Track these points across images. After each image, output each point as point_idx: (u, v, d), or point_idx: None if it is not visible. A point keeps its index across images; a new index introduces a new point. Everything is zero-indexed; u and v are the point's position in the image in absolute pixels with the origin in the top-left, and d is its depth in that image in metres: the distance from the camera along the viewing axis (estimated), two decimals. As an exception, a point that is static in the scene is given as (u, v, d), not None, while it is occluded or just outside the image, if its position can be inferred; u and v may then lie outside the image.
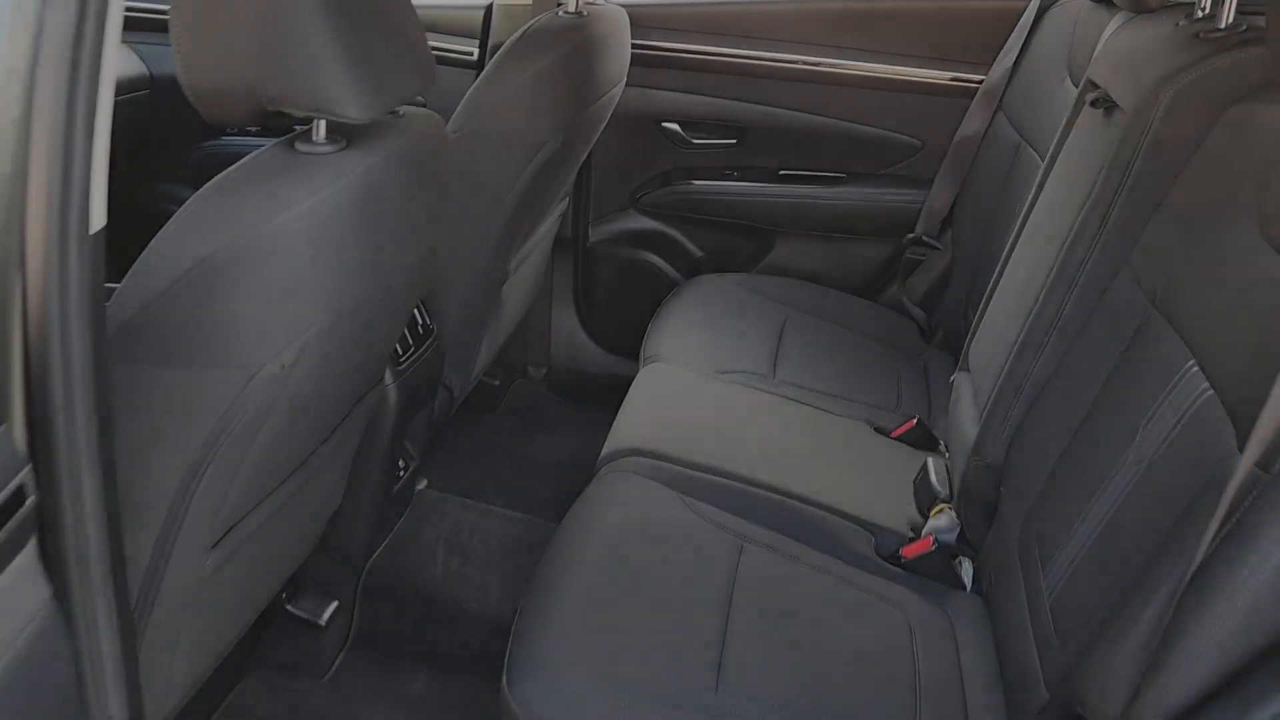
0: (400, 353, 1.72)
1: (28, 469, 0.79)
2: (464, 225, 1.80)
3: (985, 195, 2.10)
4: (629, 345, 2.56)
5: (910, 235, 2.28)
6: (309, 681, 1.74)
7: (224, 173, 1.06)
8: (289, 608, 1.75)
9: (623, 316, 2.57)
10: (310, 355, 1.08)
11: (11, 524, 0.77)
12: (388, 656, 1.80)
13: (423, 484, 2.11)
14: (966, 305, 2.10)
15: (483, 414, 2.49)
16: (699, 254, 2.52)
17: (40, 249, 0.79)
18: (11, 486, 0.77)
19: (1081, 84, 1.60)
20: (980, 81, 2.18)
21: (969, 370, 1.73)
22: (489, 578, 1.91)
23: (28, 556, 0.79)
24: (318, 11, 1.02)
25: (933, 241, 2.26)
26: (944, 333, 2.25)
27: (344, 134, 1.12)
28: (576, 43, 1.78)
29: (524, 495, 2.23)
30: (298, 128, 1.14)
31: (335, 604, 1.77)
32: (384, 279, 1.20)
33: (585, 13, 1.87)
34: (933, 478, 1.64)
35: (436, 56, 2.44)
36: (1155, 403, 1.15)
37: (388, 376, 1.68)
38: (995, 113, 2.14)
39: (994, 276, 1.78)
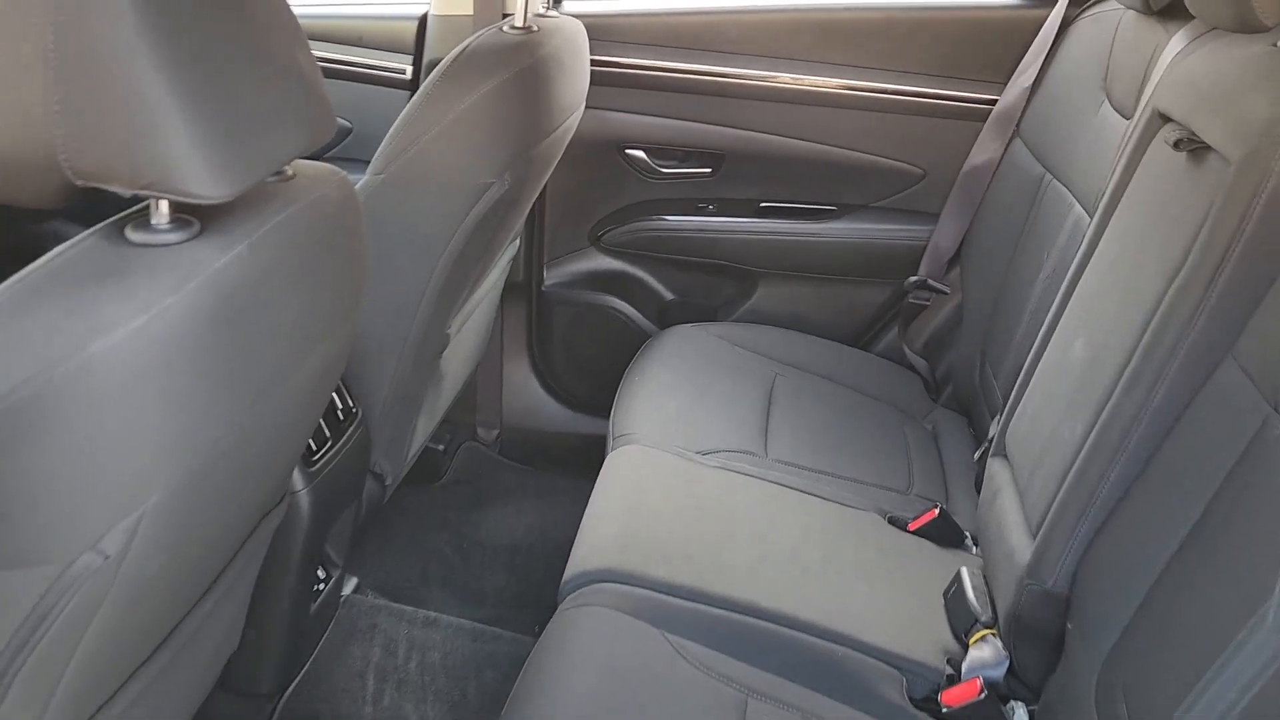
0: (314, 449, 1.40)
1: None
2: (391, 288, 1.48)
3: (1001, 234, 1.82)
4: (592, 401, 2.25)
5: (913, 279, 1.99)
6: None
7: (17, 276, 0.73)
8: (181, 763, 1.42)
9: (584, 369, 2.26)
10: (150, 533, 0.76)
11: None
12: (306, 817, 1.47)
13: (351, 585, 1.79)
14: (982, 361, 1.82)
15: (424, 485, 2.17)
16: (670, 297, 2.21)
17: None
18: None
19: (1142, 115, 1.32)
20: (993, 103, 1.90)
21: (1006, 456, 1.44)
22: (429, 712, 1.58)
23: None
24: (145, 43, 0.69)
25: (939, 285, 1.98)
26: (954, 390, 1.96)
27: (197, 214, 0.80)
28: (526, 64, 1.47)
29: (473, 590, 1.92)
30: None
31: (240, 754, 1.45)
32: (267, 400, 0.88)
33: (536, 26, 1.55)
34: (969, 594, 1.34)
35: (364, 75, 2.14)
36: (1301, 549, 0.87)
37: (297, 480, 1.36)
38: (1011, 139, 1.86)
39: (1032, 337, 1.50)
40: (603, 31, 1.99)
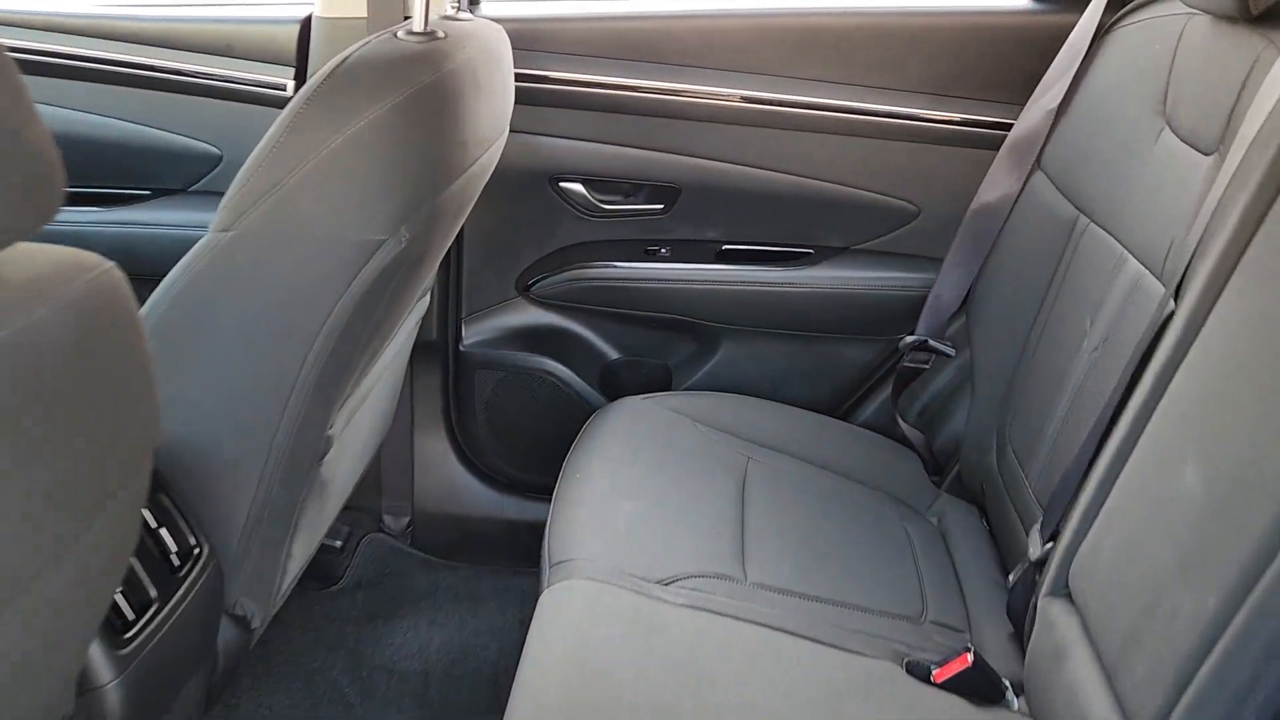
0: (130, 617, 1.00)
1: None
2: (246, 383, 1.10)
3: (1022, 287, 1.49)
4: (523, 480, 1.89)
5: (910, 337, 1.65)
6: None
7: None
8: None
9: (513, 443, 1.89)
10: None
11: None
12: None
13: (211, 750, 1.38)
14: (1000, 442, 1.49)
15: (316, 591, 1.77)
16: (615, 357, 1.85)
17: None
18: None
19: (1258, 151, 0.99)
20: (1007, 127, 1.57)
21: (1070, 598, 1.10)
22: None
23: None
24: None
25: (942, 346, 1.64)
26: (961, 473, 1.63)
27: None
28: (427, 80, 1.10)
29: (375, 741, 1.53)
30: None
31: None
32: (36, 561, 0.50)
33: (443, 32, 1.18)
34: (1036, 796, 1.00)
35: (234, 91, 1.73)
36: None
37: (102, 670, 0.96)
38: (1032, 172, 1.53)
39: (1078, 429, 1.16)
40: (531, 39, 1.62)
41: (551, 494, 1.45)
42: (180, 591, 1.07)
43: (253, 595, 1.23)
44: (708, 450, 1.55)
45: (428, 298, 1.63)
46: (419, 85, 1.08)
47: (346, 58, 1.08)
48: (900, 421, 1.71)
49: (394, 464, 1.88)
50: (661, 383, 1.84)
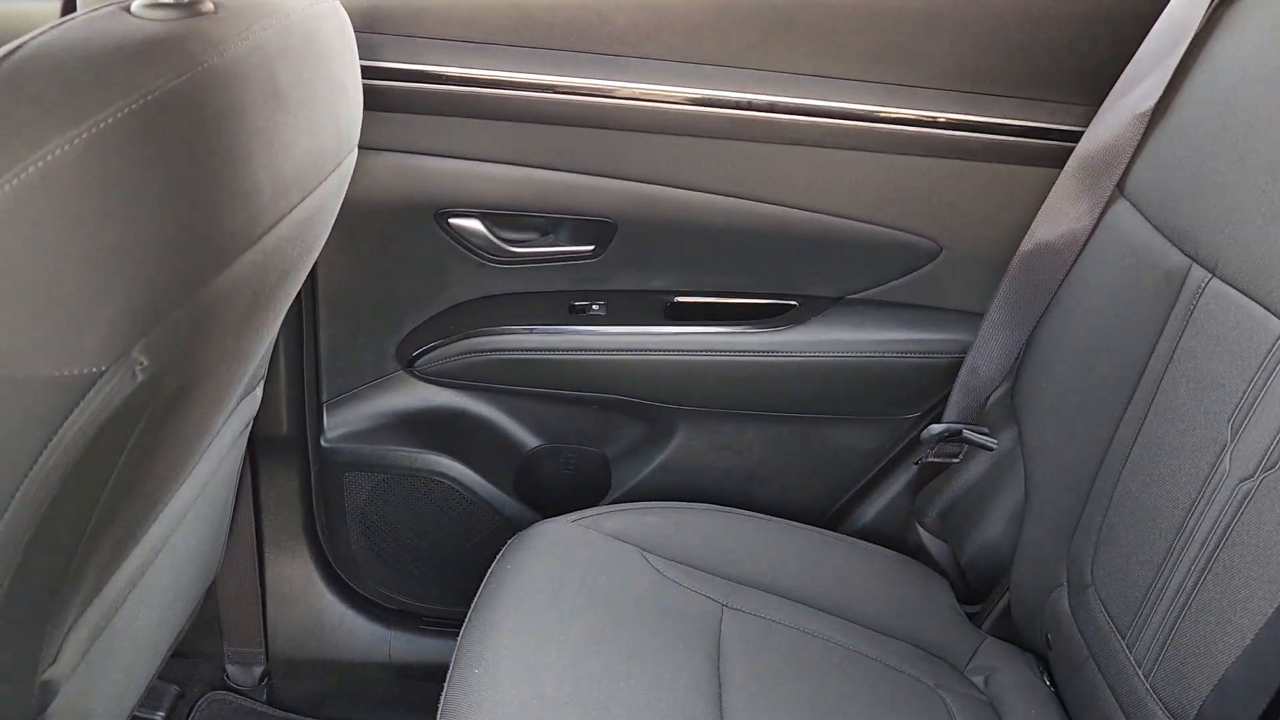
0: None
1: None
2: None
3: (1108, 364, 1.05)
4: (413, 609, 1.42)
5: (938, 427, 1.21)
6: None
7: None
8: None
9: (401, 563, 1.42)
10: None
11: None
12: None
13: None
14: (1076, 580, 1.06)
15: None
16: (533, 444, 1.38)
17: None
18: None
19: None
20: (1075, 137, 1.13)
21: None
22: None
23: None
24: None
25: (981, 438, 1.20)
26: (1010, 612, 1.19)
27: None
28: (172, 88, 0.61)
29: None
30: None
31: None
32: None
33: (214, 6, 0.70)
34: None
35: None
36: None
37: None
38: (1112, 200, 1.09)
39: (1201, 565, 0.74)
40: (401, 19, 1.15)
41: (449, 625, 1.01)
42: None
43: None
44: (666, 596, 1.10)
45: (258, 391, 1.14)
46: (153, 93, 0.60)
47: (14, 50, 0.60)
48: (922, 533, 1.28)
49: (237, 598, 1.39)
50: (596, 481, 1.38)
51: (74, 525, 0.69)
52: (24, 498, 0.64)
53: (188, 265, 0.63)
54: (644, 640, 1.03)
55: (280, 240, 0.76)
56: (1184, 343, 0.97)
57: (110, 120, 0.58)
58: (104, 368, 0.61)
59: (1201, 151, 0.99)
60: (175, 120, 0.62)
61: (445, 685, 0.99)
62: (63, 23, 0.64)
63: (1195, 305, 0.96)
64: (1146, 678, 0.92)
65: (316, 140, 0.79)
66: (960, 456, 1.24)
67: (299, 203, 0.78)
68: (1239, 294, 0.91)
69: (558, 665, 0.98)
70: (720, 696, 0.99)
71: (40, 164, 0.56)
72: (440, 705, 0.97)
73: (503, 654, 0.99)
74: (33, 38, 0.62)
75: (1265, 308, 0.88)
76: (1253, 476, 0.85)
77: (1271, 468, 0.83)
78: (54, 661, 0.75)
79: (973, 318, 1.22)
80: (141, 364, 0.63)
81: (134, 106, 0.60)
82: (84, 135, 0.58)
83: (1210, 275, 0.95)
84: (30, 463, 0.63)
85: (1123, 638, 0.97)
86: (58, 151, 0.57)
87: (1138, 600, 0.95)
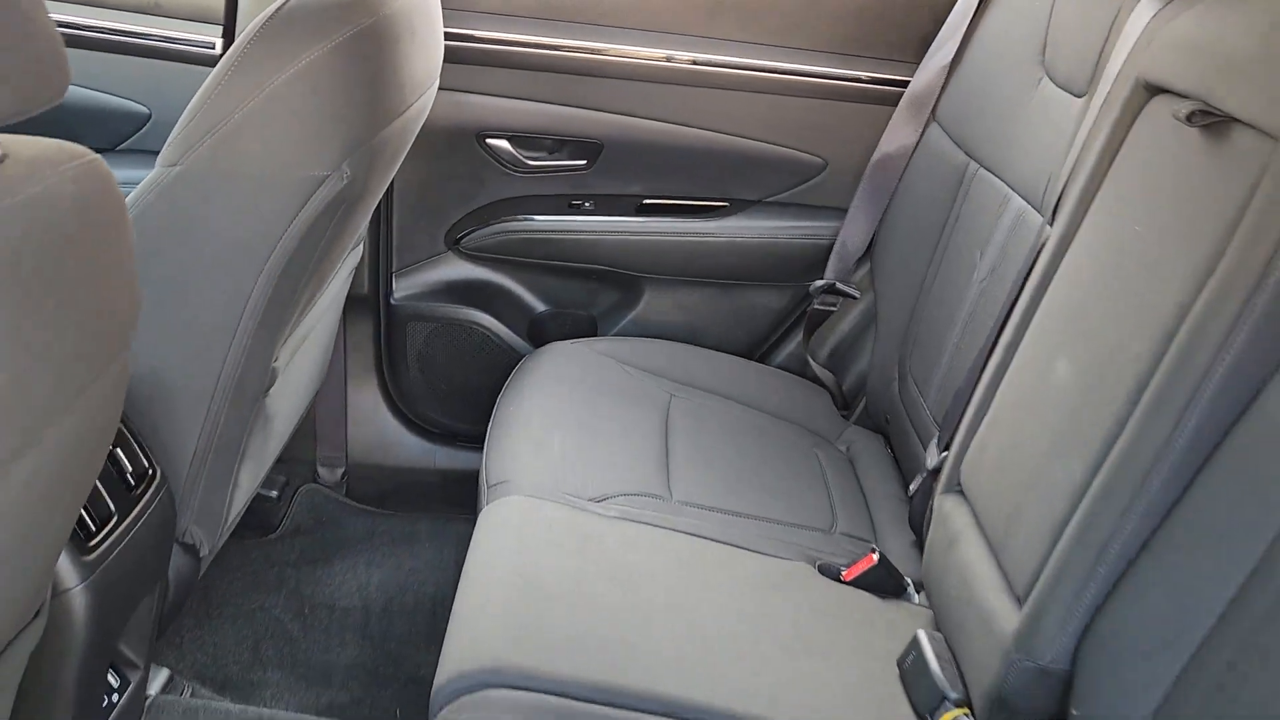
0: (92, 528, 1.05)
1: None
2: (194, 314, 1.16)
3: (920, 230, 1.61)
4: (455, 430, 1.96)
5: (819, 281, 1.76)
6: None
7: None
8: None
9: (445, 394, 1.96)
10: None
11: None
12: None
13: (160, 680, 1.43)
14: (902, 373, 1.61)
15: (255, 539, 1.82)
16: (542, 309, 1.93)
17: None
18: None
19: (1114, 88, 1.12)
20: (905, 84, 1.69)
21: (962, 493, 1.22)
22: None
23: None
24: None
25: (848, 289, 1.76)
26: (867, 406, 1.75)
27: None
28: (364, 26, 1.16)
29: (319, 670, 1.59)
30: None
31: None
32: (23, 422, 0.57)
33: (377, -17, 1.24)
34: (933, 666, 1.11)
35: (162, 50, 1.77)
36: None
37: (68, 575, 1.02)
38: (928, 124, 1.65)
39: (970, 351, 1.29)
40: (459, 0, 1.69)
41: (481, 444, 1.53)
42: (136, 511, 1.12)
43: (201, 524, 1.28)
44: (633, 388, 1.64)
45: (360, 249, 1.69)
46: (357, 27, 1.15)
47: (279, 9, 1.14)
48: (811, 362, 1.83)
49: (328, 417, 1.93)
50: (587, 332, 1.92)
51: (298, 277, 1.22)
52: (275, 257, 1.16)
53: (372, 118, 1.17)
54: (619, 412, 1.57)
55: (406, 120, 1.30)
56: (960, 209, 1.52)
57: (336, 41, 1.12)
58: (328, 173, 1.15)
59: (975, 88, 1.55)
60: (366, 42, 1.16)
61: (484, 452, 1.48)
62: (301, -9, 1.18)
63: (969, 186, 1.51)
64: (932, 413, 1.47)
65: (426, 63, 1.33)
66: (837, 307, 1.80)
67: (414, 101, 1.32)
68: (990, 174, 1.47)
69: (560, 430, 1.50)
70: (668, 444, 1.53)
71: (304, 61, 1.10)
72: (482, 463, 1.47)
73: (521, 423, 1.51)
74: (285, 2, 1.16)
75: (1001, 179, 1.43)
76: (985, 279, 1.40)
77: (993, 270, 1.38)
78: (275, 359, 1.29)
79: (846, 210, 1.77)
80: (346, 173, 1.16)
81: (347, 34, 1.14)
82: (323, 48, 1.12)
83: (979, 166, 1.50)
84: (279, 236, 1.16)
85: (923, 398, 1.52)
86: (310, 56, 1.11)
87: (930, 371, 1.51)
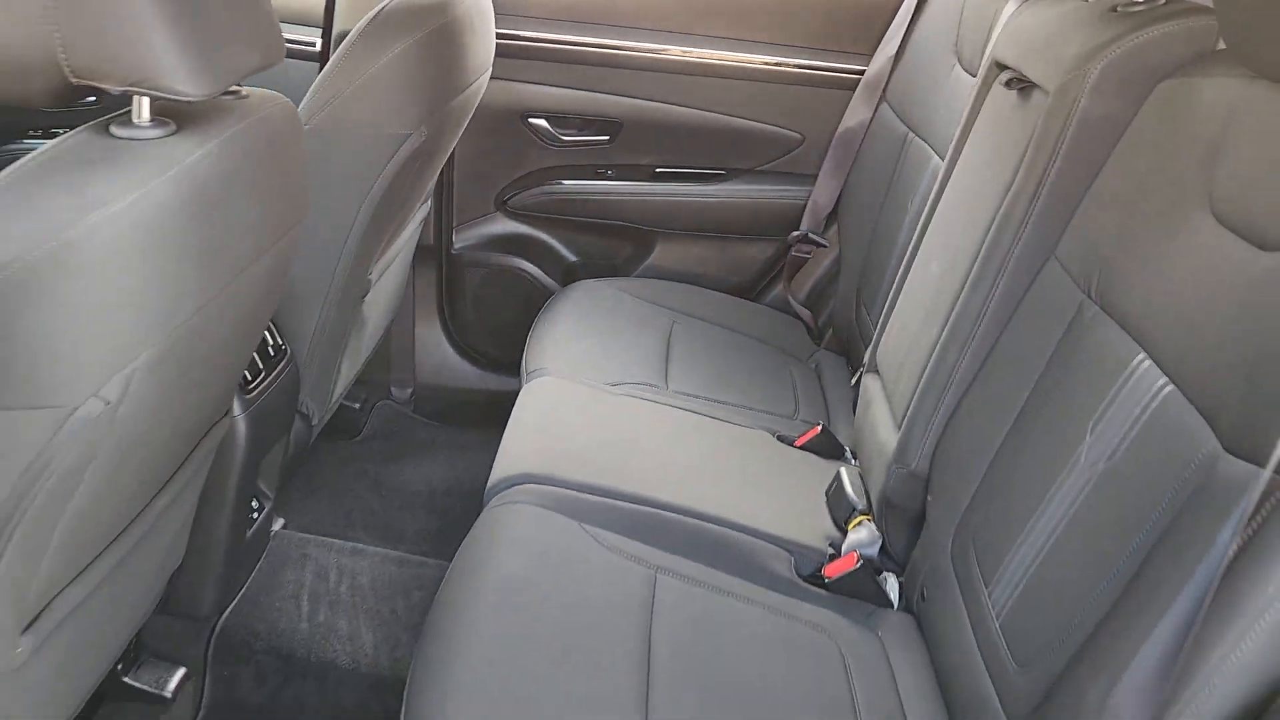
0: (249, 379, 1.50)
1: None
2: (318, 230, 1.59)
3: (872, 189, 2.02)
4: (500, 359, 2.39)
5: (795, 233, 2.18)
6: (154, 765, 1.50)
7: (16, 164, 0.84)
8: (126, 680, 1.50)
9: (493, 329, 2.39)
10: (140, 387, 0.88)
11: None
12: (247, 727, 1.57)
13: (279, 524, 1.88)
14: (858, 303, 2.02)
15: (343, 441, 2.27)
16: (573, 259, 2.36)
17: None
18: None
19: (984, 68, 1.53)
20: (861, 72, 2.11)
21: (878, 372, 1.63)
22: (361, 628, 1.70)
23: None
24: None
25: (818, 239, 2.17)
26: (834, 333, 2.16)
27: (172, 116, 0.92)
28: (439, 24, 1.60)
29: (395, 529, 2.03)
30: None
31: (182, 672, 1.53)
32: (227, 291, 1.00)
33: (446, -8, 1.68)
34: (848, 488, 1.53)
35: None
36: (1105, 401, 1.06)
37: (235, 407, 1.46)
38: (879, 104, 2.07)
39: (897, 273, 1.69)
40: (507, 5, 2.12)
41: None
42: (275, 371, 1.56)
43: (314, 397, 1.73)
44: (643, 315, 2.07)
45: (428, 205, 2.13)
46: (434, 28, 1.59)
47: (383, 9, 1.59)
48: (791, 300, 2.24)
49: (400, 346, 2.38)
50: (608, 276, 2.35)
51: (388, 208, 1.66)
52: (373, 191, 1.60)
53: (444, 91, 1.61)
54: (630, 330, 1.99)
55: (466, 96, 1.74)
56: (899, 170, 1.93)
57: (420, 35, 1.56)
58: (411, 131, 1.59)
59: (913, 74, 1.96)
60: (441, 36, 1.60)
61: (525, 349, 1.93)
62: (393, 0, 1.63)
63: (906, 150, 1.92)
64: (882, 320, 1.88)
65: (483, 52, 1.78)
66: (811, 255, 2.21)
67: (473, 80, 1.76)
68: (920, 140, 1.87)
69: (583, 339, 1.92)
70: (668, 352, 1.95)
71: (398, 49, 1.54)
72: (523, 357, 1.91)
73: (553, 334, 1.94)
74: (385, 6, 1.60)
75: (927, 143, 1.84)
76: (913, 218, 1.81)
77: (917, 211, 1.79)
78: (370, 273, 1.73)
79: (816, 176, 2.18)
80: (423, 132, 1.61)
81: (428, 30, 1.58)
82: (412, 39, 1.56)
83: (914, 135, 1.91)
84: (377, 176, 1.60)
85: (870, 320, 1.93)
86: (402, 45, 1.55)
87: (877, 292, 1.91)
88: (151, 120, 0.90)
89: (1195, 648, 0.76)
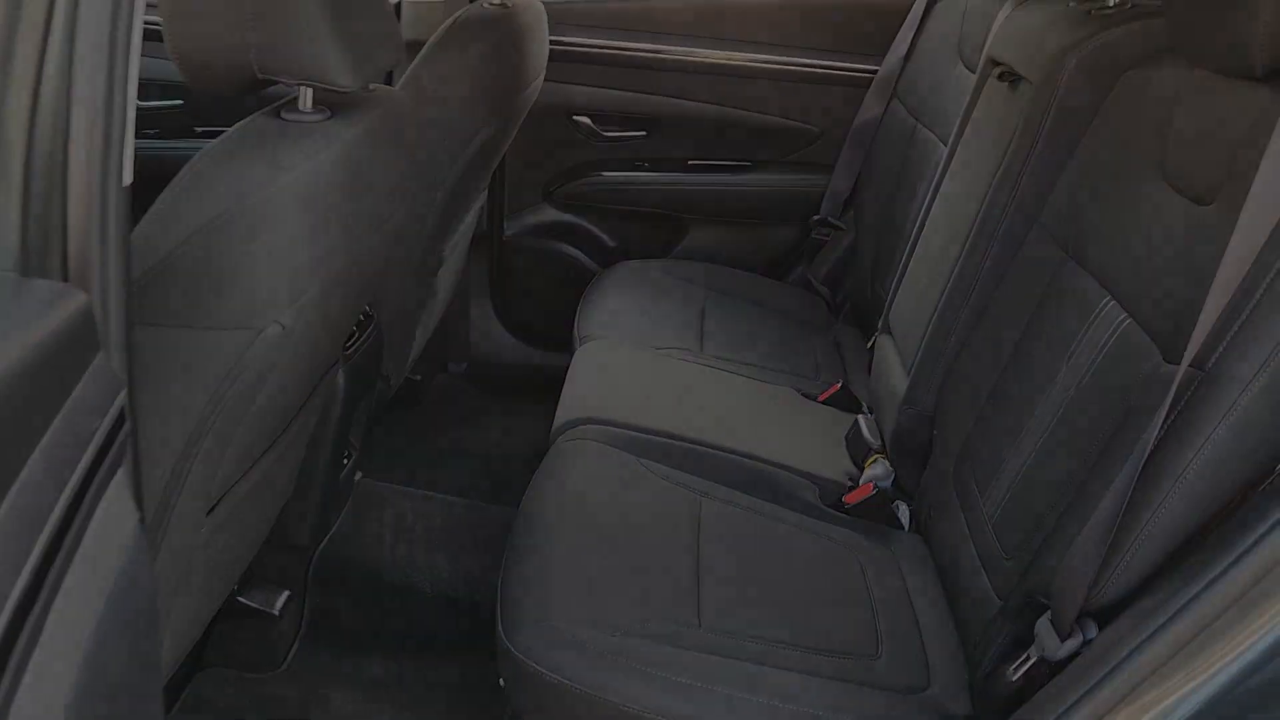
0: (347, 340, 1.74)
1: (124, 393, 0.80)
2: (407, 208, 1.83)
3: (885, 176, 2.25)
4: (547, 335, 2.63)
5: (815, 217, 2.41)
6: (266, 672, 1.73)
7: (217, 140, 1.08)
8: (241, 599, 1.74)
9: (540, 308, 2.63)
10: (306, 319, 1.11)
11: (116, 446, 0.78)
12: (343, 642, 1.80)
13: (359, 476, 2.12)
14: (872, 279, 2.25)
15: (408, 409, 2.51)
16: (613, 244, 2.60)
17: (82, 198, 0.80)
18: (115, 408, 0.78)
19: (981, 64, 1.76)
20: (874, 71, 2.34)
21: (890, 333, 1.86)
22: (437, 559, 1.93)
23: (121, 481, 0.80)
24: (309, -18, 1.05)
25: (836, 222, 2.40)
26: (850, 307, 2.39)
27: (327, 105, 1.15)
28: (506, 31, 1.84)
29: (459, 482, 2.26)
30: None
31: (287, 594, 1.77)
32: (364, 250, 1.24)
33: (509, 4, 1.93)
34: (864, 432, 1.75)
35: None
36: (1076, 338, 1.29)
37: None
38: (890, 100, 2.30)
39: (907, 246, 1.92)
40: (556, 15, 2.36)
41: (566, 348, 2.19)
42: (367, 334, 1.80)
43: (393, 361, 1.97)
44: (679, 292, 2.30)
45: (484, 195, 2.37)
46: (502, 33, 1.83)
47: (459, 17, 1.83)
48: (812, 280, 2.47)
49: (457, 325, 2.62)
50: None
51: (459, 195, 1.90)
52: (450, 178, 1.84)
53: (510, 88, 1.85)
54: (668, 306, 2.23)
55: (526, 94, 1.98)
56: (907, 160, 2.16)
57: (491, 42, 1.80)
58: (483, 124, 1.82)
59: (921, 72, 2.19)
60: (507, 43, 1.84)
61: (575, 320, 2.17)
62: (466, 10, 1.87)
63: (916, 141, 2.15)
64: (895, 286, 2.10)
65: (539, 57, 2.01)
66: (830, 237, 2.44)
67: (532, 81, 2.00)
68: (927, 130, 2.10)
69: (628, 312, 2.16)
70: (702, 325, 2.18)
71: (472, 54, 1.78)
72: (574, 324, 2.15)
73: (602, 305, 2.18)
74: (460, 15, 1.84)
75: (933, 133, 2.07)
76: (920, 202, 2.04)
77: (926, 199, 2.02)
78: (444, 250, 1.97)
79: (834, 166, 2.41)
80: (494, 125, 1.84)
81: (496, 38, 1.82)
82: (484, 46, 1.80)
83: (921, 126, 2.14)
84: (453, 163, 1.84)
85: (884, 295, 2.15)
86: (476, 51, 1.79)
87: (889, 268, 2.14)
88: (314, 108, 1.14)
89: (1128, 510, 0.98)
